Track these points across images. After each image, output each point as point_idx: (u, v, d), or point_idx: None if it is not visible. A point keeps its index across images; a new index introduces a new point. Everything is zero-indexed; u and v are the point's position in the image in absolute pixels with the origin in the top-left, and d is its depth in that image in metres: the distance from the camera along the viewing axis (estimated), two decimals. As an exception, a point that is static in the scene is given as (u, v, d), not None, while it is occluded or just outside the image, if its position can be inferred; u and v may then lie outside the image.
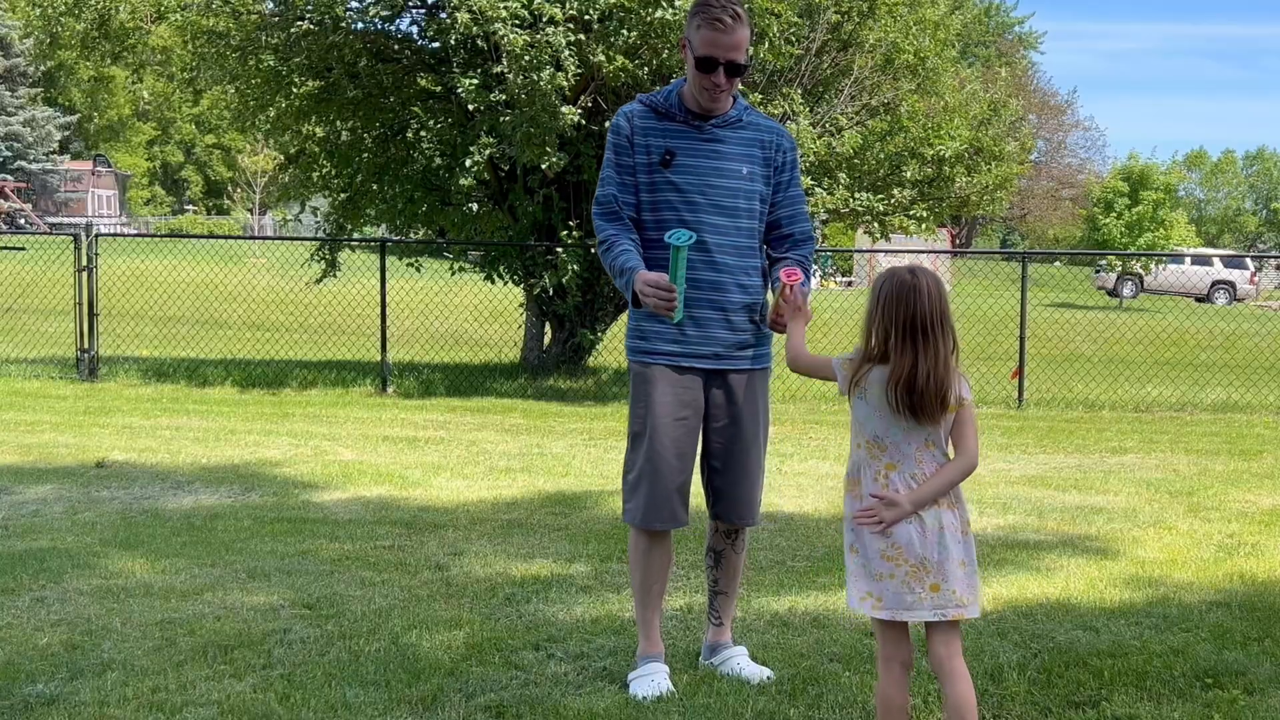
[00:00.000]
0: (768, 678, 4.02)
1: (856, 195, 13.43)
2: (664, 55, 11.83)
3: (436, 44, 13.06)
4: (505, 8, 11.41)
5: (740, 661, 4.12)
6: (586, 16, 11.75)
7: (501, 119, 11.87)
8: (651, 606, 4.06)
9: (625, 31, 11.65)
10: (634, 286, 3.83)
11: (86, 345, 13.52)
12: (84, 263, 13.55)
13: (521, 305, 14.73)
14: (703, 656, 4.25)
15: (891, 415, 3.17)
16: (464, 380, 13.30)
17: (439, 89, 12.60)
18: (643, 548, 4.05)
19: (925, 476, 3.19)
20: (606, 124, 12.82)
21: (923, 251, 23.37)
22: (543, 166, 12.02)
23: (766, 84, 13.46)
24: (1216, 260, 40.26)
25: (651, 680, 3.91)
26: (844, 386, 3.27)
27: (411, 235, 14.91)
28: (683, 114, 3.95)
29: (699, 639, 4.44)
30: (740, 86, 4.36)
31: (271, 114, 13.86)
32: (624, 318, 14.91)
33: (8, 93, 53.21)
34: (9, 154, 52.74)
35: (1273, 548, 6.15)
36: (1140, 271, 37.76)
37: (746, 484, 4.08)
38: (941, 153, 13.72)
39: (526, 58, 11.36)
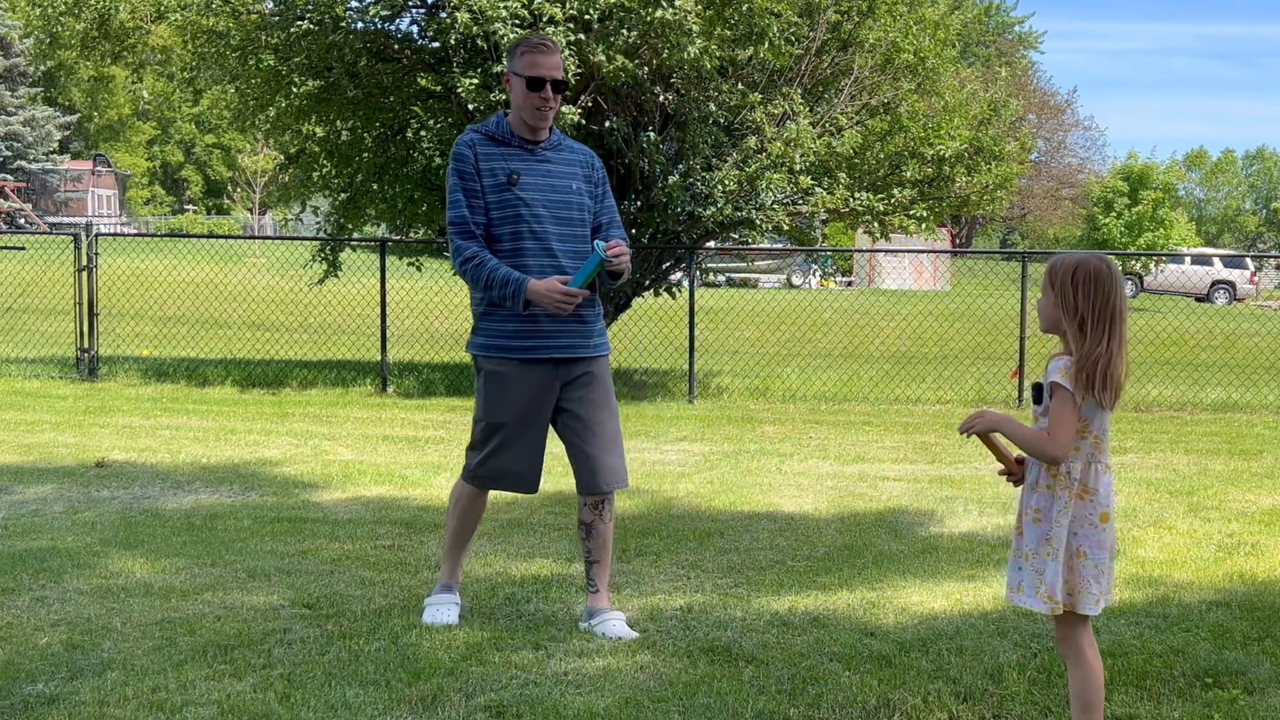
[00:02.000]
0: (633, 638, 4.48)
1: (856, 195, 13.41)
2: (664, 55, 11.83)
3: (436, 44, 13.05)
4: (505, 7, 11.41)
5: (615, 625, 4.56)
6: (586, 16, 11.74)
7: (502, 119, 11.86)
8: (463, 547, 4.81)
9: (625, 31, 11.64)
10: (528, 294, 4.41)
11: (86, 345, 13.53)
12: (84, 262, 13.55)
13: (521, 305, 14.71)
14: (583, 620, 4.66)
15: (1099, 406, 3.24)
16: (464, 380, 13.29)
17: (439, 89, 12.59)
18: (469, 499, 4.72)
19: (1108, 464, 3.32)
20: (607, 124, 12.89)
21: (923, 251, 23.34)
22: (543, 166, 12.02)
23: (767, 84, 13.46)
24: (1216, 260, 40.25)
25: (438, 609, 4.64)
26: (1081, 397, 3.21)
27: (411, 235, 14.91)
28: (516, 141, 4.59)
29: (699, 638, 4.45)
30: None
31: (271, 114, 13.85)
32: (624, 318, 14.93)
33: (8, 92, 53.18)
34: (9, 154, 52.71)
35: (1273, 547, 6.15)
36: (1140, 271, 37.75)
37: (612, 452, 4.66)
38: (941, 152, 13.70)
39: (527, 57, 11.35)
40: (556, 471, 8.26)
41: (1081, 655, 3.31)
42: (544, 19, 11.53)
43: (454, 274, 16.14)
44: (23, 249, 18.88)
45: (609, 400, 4.67)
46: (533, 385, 4.54)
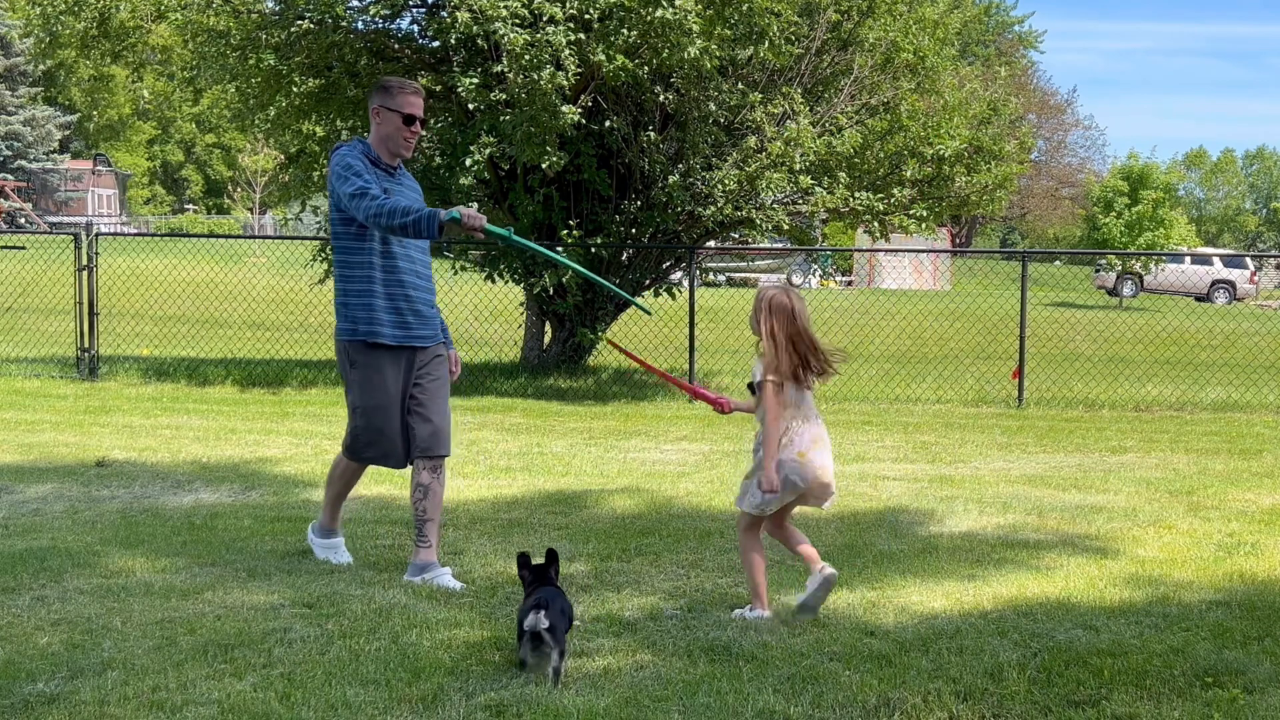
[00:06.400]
0: (461, 589, 5.13)
1: (856, 195, 13.41)
2: (664, 55, 11.83)
3: (437, 43, 13.06)
4: (505, 7, 11.40)
5: (447, 579, 5.21)
6: (586, 15, 11.74)
7: (502, 118, 11.87)
8: (341, 499, 5.59)
9: (625, 30, 11.64)
10: (441, 218, 4.94)
11: (87, 344, 13.53)
12: (84, 262, 13.56)
13: (522, 304, 14.74)
14: (410, 574, 5.27)
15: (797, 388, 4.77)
16: (464, 379, 13.29)
17: (439, 88, 12.59)
18: (353, 470, 5.55)
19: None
20: (607, 123, 12.90)
21: (923, 251, 23.32)
22: (543, 166, 12.02)
23: (767, 83, 13.46)
24: (1216, 260, 40.23)
25: (338, 551, 5.56)
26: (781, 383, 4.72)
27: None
28: (383, 165, 5.30)
29: (699, 638, 4.45)
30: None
31: (271, 113, 13.85)
32: (624, 317, 14.93)
33: (8, 92, 53.16)
34: (9, 153, 52.70)
35: (1273, 547, 6.16)
36: (1140, 271, 37.74)
37: (448, 423, 5.41)
38: (941, 152, 13.70)
39: (526, 57, 11.36)
40: (556, 471, 8.29)
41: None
42: (544, 18, 11.53)
43: (454, 274, 15.96)
44: (23, 249, 18.90)
45: (448, 380, 5.48)
46: (401, 369, 5.26)
